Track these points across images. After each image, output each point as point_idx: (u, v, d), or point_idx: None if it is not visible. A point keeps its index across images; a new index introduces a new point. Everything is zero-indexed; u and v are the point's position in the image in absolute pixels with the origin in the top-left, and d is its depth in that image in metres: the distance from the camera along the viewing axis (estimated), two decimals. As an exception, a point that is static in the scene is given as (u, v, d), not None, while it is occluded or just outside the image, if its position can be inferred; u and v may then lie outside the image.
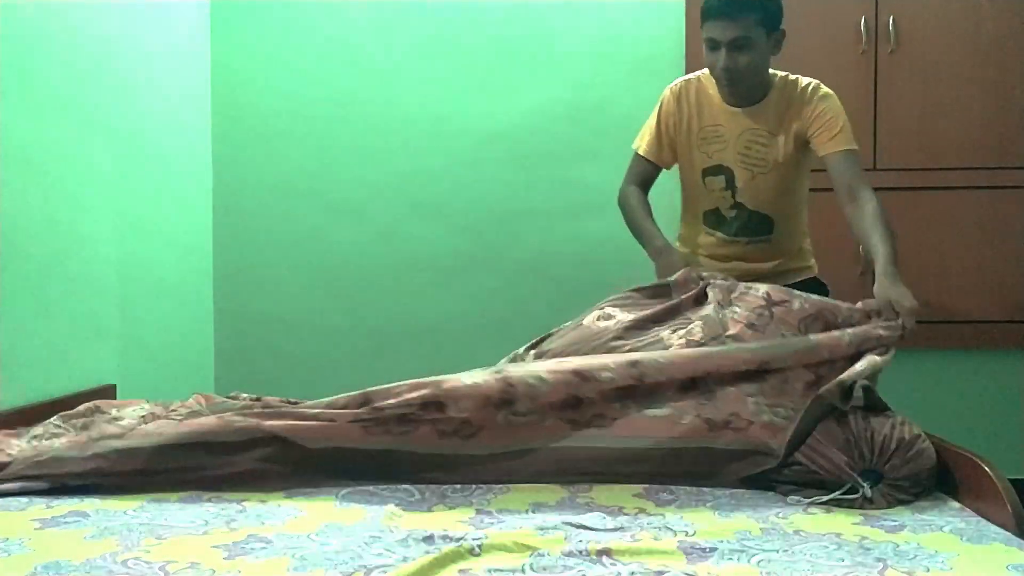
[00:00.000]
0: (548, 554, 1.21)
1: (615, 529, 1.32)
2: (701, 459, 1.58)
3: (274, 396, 2.12)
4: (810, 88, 2.13)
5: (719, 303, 1.84)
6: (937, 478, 1.54)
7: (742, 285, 1.89)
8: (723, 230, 2.21)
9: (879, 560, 1.20)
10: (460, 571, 1.15)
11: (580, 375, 1.63)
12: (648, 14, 3.02)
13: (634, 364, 1.65)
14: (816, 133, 2.07)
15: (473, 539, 1.24)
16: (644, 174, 2.24)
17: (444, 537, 1.26)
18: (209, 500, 1.46)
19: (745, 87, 2.07)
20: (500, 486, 1.55)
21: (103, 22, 2.38)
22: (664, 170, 2.26)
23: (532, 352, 1.92)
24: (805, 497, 1.49)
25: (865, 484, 1.47)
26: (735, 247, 2.21)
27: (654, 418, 1.61)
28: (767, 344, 1.71)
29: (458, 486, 1.55)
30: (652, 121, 2.23)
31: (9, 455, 1.60)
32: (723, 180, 2.15)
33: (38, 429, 1.78)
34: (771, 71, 2.13)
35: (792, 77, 2.15)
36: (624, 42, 3.02)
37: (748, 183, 2.13)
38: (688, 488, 1.55)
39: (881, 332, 1.76)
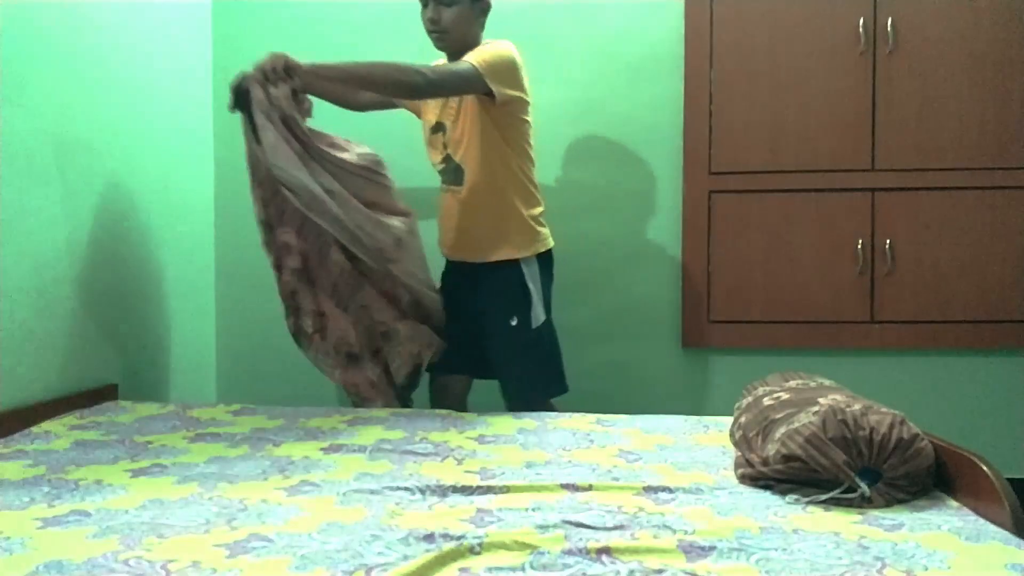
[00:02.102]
0: (548, 553, 1.21)
1: (615, 528, 1.33)
2: None
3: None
4: (490, 40, 2.42)
5: None
6: (936, 477, 1.55)
7: None
8: (442, 178, 2.52)
9: (877, 559, 1.20)
10: (460, 570, 1.16)
11: None
12: (648, 14, 3.02)
13: None
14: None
15: (473, 538, 1.25)
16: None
17: (444, 536, 1.27)
18: (210, 499, 1.47)
19: (450, 42, 2.38)
20: (500, 486, 1.56)
21: (103, 22, 2.38)
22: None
23: None
24: (803, 496, 1.49)
25: (863, 483, 1.47)
26: (445, 196, 2.52)
27: None
28: None
29: (459, 485, 1.56)
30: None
31: None
32: (440, 136, 2.47)
33: None
34: (502, 40, 2.39)
35: (498, 40, 2.41)
36: (624, 42, 3.03)
37: (450, 135, 2.43)
38: (687, 487, 1.55)
39: None
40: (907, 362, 2.97)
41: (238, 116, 2.25)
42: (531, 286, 2.43)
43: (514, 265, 2.43)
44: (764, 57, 2.94)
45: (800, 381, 1.92)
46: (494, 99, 2.30)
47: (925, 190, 2.90)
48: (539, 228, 2.48)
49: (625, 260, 3.06)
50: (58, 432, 1.95)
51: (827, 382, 1.93)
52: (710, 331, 2.99)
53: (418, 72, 2.19)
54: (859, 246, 2.92)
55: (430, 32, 2.38)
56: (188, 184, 2.95)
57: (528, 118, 2.47)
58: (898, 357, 2.97)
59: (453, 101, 2.41)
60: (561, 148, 3.05)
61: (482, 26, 2.47)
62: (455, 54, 2.38)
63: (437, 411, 2.25)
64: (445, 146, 2.46)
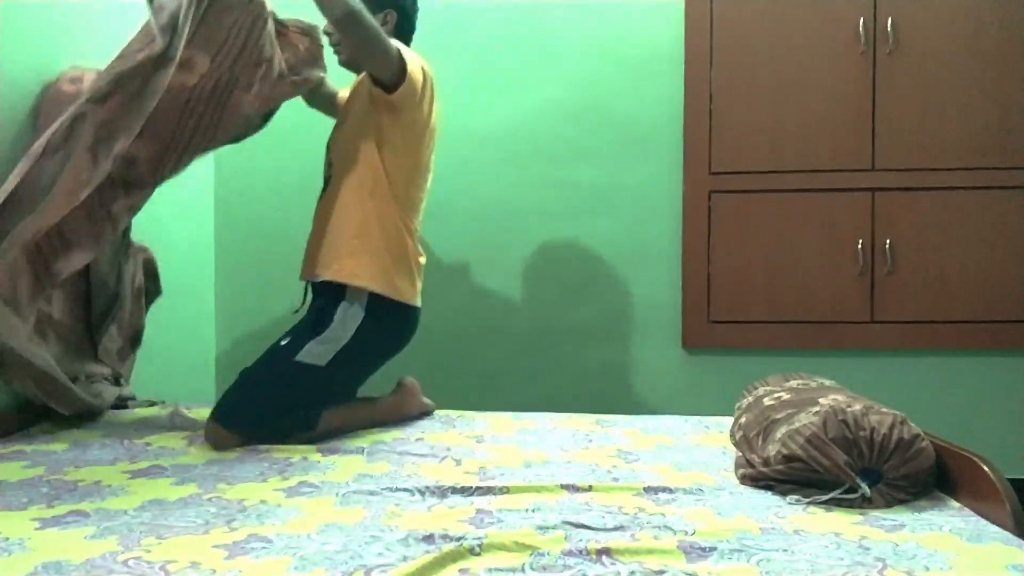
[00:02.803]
0: (548, 554, 1.21)
1: (615, 529, 1.33)
2: None
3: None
4: None
5: None
6: (936, 478, 1.54)
7: None
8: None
9: (878, 559, 1.20)
10: (460, 571, 1.15)
11: None
12: (648, 14, 3.02)
13: None
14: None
15: (473, 539, 1.24)
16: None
17: (444, 537, 1.27)
18: (209, 500, 1.47)
19: (344, 52, 2.21)
20: (499, 487, 1.55)
21: (103, 22, 2.38)
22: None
23: None
24: (804, 497, 1.49)
25: (864, 484, 1.47)
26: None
27: None
28: None
29: (459, 486, 1.55)
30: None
31: None
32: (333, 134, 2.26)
33: None
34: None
35: None
36: (623, 42, 3.03)
37: (335, 132, 2.24)
38: (688, 488, 1.55)
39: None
40: (908, 362, 2.97)
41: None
42: (336, 320, 2.01)
43: (337, 290, 2.04)
44: (764, 57, 2.94)
45: (800, 381, 1.92)
46: (392, 92, 2.02)
47: (925, 190, 2.90)
48: (396, 272, 2.06)
49: (625, 260, 3.05)
50: (57, 433, 1.95)
51: (827, 382, 1.93)
52: (710, 331, 2.99)
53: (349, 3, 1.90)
54: (859, 246, 2.91)
55: (332, 46, 2.21)
56: (187, 183, 2.95)
57: (423, 151, 2.16)
58: (898, 357, 2.96)
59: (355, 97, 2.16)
60: (561, 148, 3.05)
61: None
62: (356, 71, 2.22)
63: (439, 411, 2.26)
64: (329, 147, 2.23)
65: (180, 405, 2.28)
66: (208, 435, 1.89)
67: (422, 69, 2.10)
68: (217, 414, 1.91)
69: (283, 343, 2.02)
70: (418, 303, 2.15)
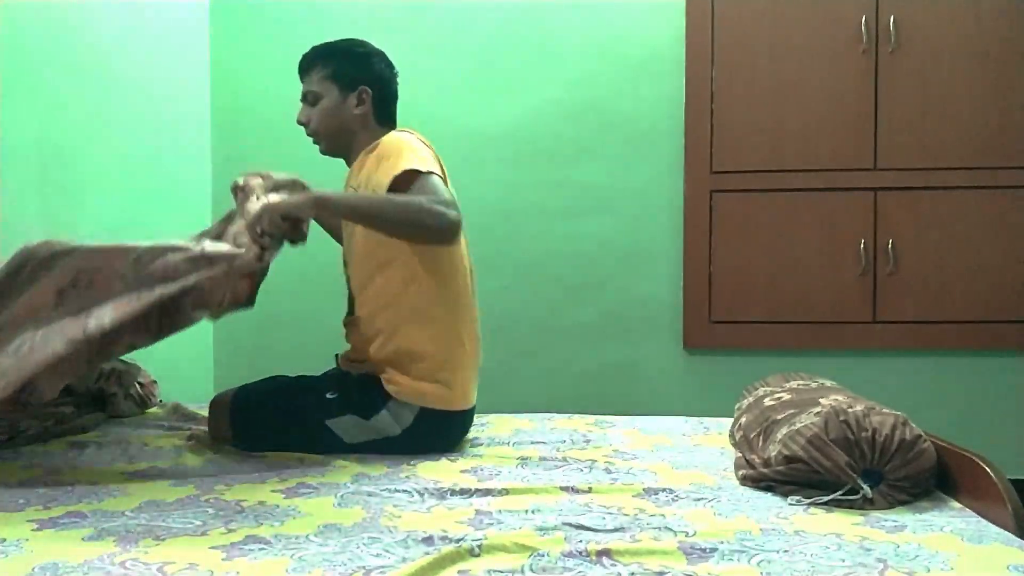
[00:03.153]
0: (548, 555, 1.20)
1: (615, 530, 1.32)
2: None
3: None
4: (380, 140, 1.89)
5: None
6: (937, 478, 1.54)
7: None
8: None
9: (880, 560, 1.19)
10: (459, 572, 1.15)
11: None
12: (648, 14, 3.01)
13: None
14: (379, 171, 1.81)
15: (472, 540, 1.24)
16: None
17: (443, 538, 1.26)
18: (207, 501, 1.46)
19: (323, 141, 1.97)
20: (499, 488, 1.55)
21: (103, 22, 2.38)
22: None
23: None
24: (805, 497, 1.48)
25: (866, 485, 1.46)
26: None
27: None
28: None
29: (458, 487, 1.55)
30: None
31: None
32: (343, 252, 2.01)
33: None
34: (390, 134, 1.90)
35: (386, 137, 1.89)
36: (624, 42, 3.02)
37: (345, 250, 1.98)
38: (688, 489, 1.55)
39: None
40: (909, 362, 2.96)
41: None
42: (383, 414, 1.83)
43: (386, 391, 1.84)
44: (765, 56, 2.93)
45: (801, 382, 1.91)
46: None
47: (927, 190, 2.89)
48: (449, 382, 1.85)
49: (626, 260, 3.05)
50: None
51: (828, 382, 1.92)
52: (711, 331, 2.99)
53: (438, 213, 1.67)
54: (861, 246, 2.91)
55: (309, 135, 1.99)
56: (187, 183, 2.94)
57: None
58: (900, 357, 2.96)
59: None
60: (562, 148, 3.04)
61: (377, 118, 1.95)
62: (345, 157, 1.99)
63: None
64: (346, 262, 2.01)
65: (179, 405, 2.27)
66: (211, 416, 1.91)
67: (436, 160, 1.85)
68: (232, 406, 1.88)
69: (328, 396, 1.84)
70: (472, 401, 1.94)
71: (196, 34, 3.00)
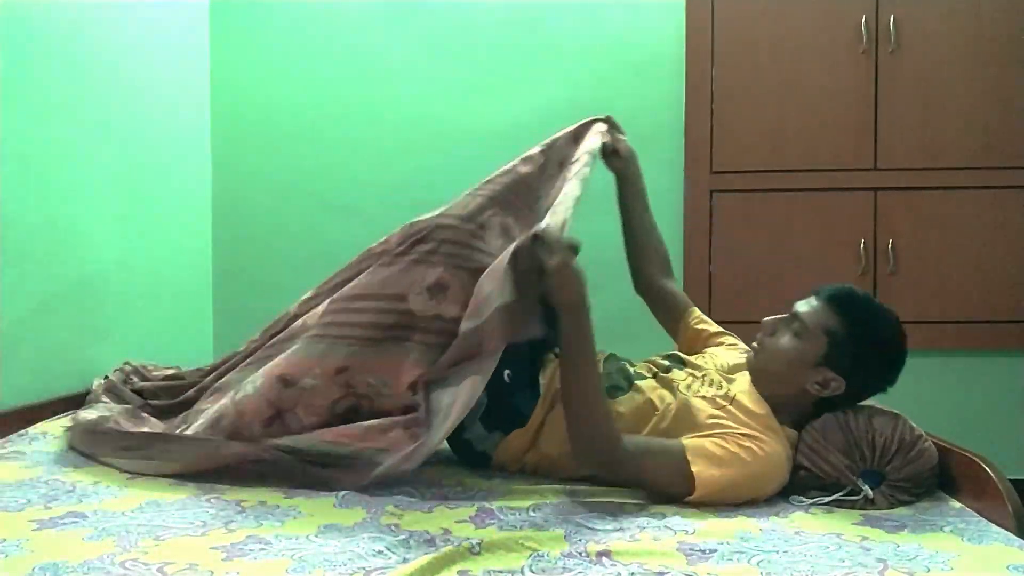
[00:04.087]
0: (548, 555, 1.20)
1: (615, 529, 1.32)
2: None
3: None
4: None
5: None
6: (938, 478, 1.54)
7: None
8: None
9: (880, 560, 1.19)
10: (460, 572, 1.15)
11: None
12: (648, 14, 3.01)
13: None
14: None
15: (473, 540, 1.24)
16: None
17: (444, 538, 1.26)
18: (207, 501, 1.46)
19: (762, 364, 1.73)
20: (501, 487, 1.55)
21: (102, 22, 2.37)
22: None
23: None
24: (807, 498, 1.49)
25: (866, 486, 1.46)
26: None
27: None
28: None
29: (459, 487, 1.55)
30: None
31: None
32: None
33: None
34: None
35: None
36: (624, 42, 3.02)
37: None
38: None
39: None
40: (909, 362, 2.94)
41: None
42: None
43: None
44: (766, 56, 2.93)
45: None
46: None
47: (928, 189, 2.89)
48: None
49: (626, 260, 3.04)
50: (55, 433, 1.93)
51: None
52: (711, 331, 2.98)
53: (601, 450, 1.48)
54: (862, 246, 2.91)
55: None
56: (187, 183, 2.94)
57: None
58: (900, 357, 2.95)
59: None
60: (561, 148, 3.04)
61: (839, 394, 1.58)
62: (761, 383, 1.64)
63: None
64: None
65: None
66: None
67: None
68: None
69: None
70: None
71: (196, 36, 3.00)
